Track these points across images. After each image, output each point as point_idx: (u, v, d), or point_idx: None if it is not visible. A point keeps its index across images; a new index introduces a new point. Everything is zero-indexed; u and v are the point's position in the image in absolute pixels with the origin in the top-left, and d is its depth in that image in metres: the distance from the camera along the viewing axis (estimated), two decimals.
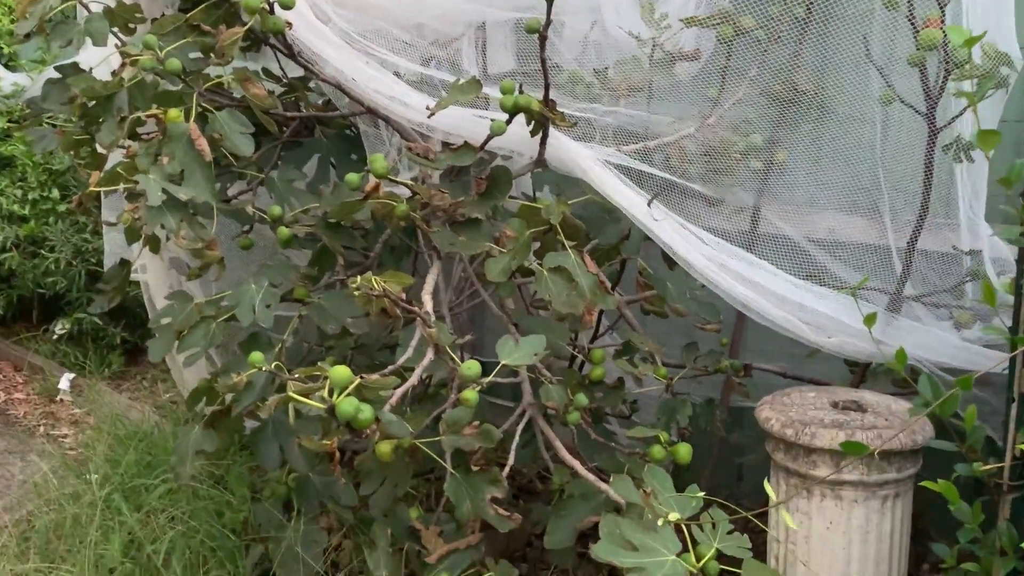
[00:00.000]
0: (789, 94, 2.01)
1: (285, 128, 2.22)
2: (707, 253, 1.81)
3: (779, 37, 1.93)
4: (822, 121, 2.13)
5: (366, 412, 1.10)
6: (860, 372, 2.02)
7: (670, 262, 2.11)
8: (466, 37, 1.92)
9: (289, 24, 1.62)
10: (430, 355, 1.42)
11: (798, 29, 1.98)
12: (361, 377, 1.13)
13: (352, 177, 1.55)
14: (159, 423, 3.41)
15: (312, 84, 2.26)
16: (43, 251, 3.98)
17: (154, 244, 1.87)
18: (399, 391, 1.31)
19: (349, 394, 1.11)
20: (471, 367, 1.36)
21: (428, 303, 1.55)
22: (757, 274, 1.84)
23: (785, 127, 2.06)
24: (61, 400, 3.91)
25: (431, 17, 1.79)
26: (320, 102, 2.30)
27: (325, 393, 1.10)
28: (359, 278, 1.37)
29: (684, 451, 1.67)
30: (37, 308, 4.30)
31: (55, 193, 4.02)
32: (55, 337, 4.18)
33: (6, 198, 4.08)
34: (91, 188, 1.77)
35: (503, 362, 1.42)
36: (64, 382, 3.91)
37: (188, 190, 1.69)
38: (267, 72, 2.27)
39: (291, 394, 1.12)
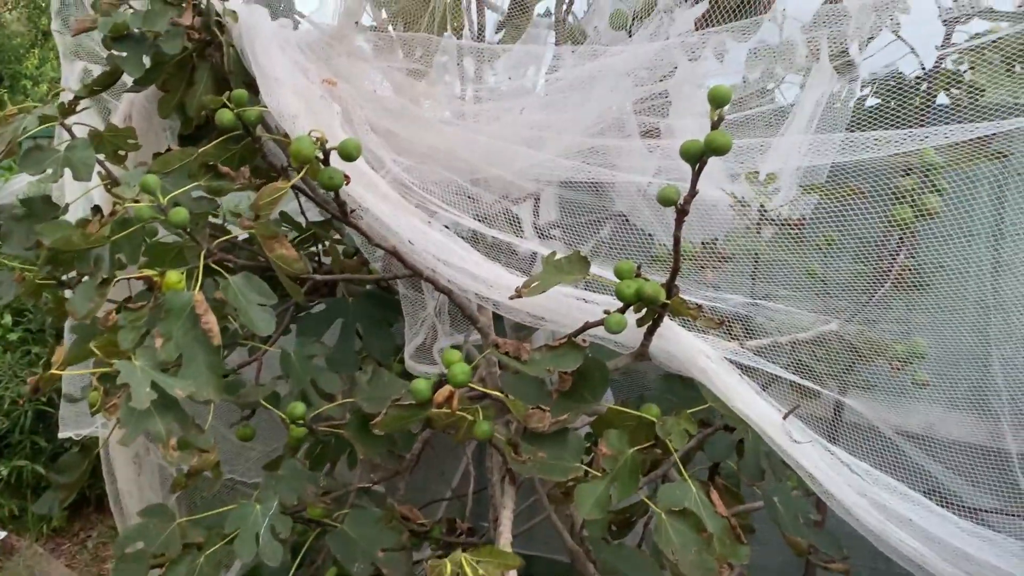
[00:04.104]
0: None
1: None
2: (857, 486, 1.40)
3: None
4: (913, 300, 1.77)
5: None
6: None
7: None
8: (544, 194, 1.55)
9: (347, 178, 1.23)
10: None
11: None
12: None
13: (421, 386, 1.13)
14: None
15: (338, 233, 1.86)
16: None
17: None
18: None
19: None
20: None
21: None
22: (915, 512, 1.42)
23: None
24: None
25: (516, 172, 1.41)
26: (344, 252, 1.91)
27: None
28: (444, 562, 0.92)
29: None
30: None
31: (7, 319, 3.53)
32: None
33: None
34: (53, 371, 1.32)
35: None
36: None
37: (186, 384, 1.25)
38: (284, 217, 1.88)
39: None
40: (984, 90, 1.63)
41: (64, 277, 1.79)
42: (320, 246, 1.89)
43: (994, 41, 1.37)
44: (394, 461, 1.53)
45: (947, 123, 1.53)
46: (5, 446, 3.51)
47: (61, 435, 2.37)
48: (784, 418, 1.39)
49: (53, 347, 2.72)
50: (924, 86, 1.70)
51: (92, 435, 2.34)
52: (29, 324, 3.59)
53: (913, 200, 1.32)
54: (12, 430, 3.41)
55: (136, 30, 1.69)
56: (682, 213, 1.17)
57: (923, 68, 1.70)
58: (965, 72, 1.68)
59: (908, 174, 1.38)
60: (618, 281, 1.25)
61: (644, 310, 1.33)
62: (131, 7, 1.78)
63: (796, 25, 1.62)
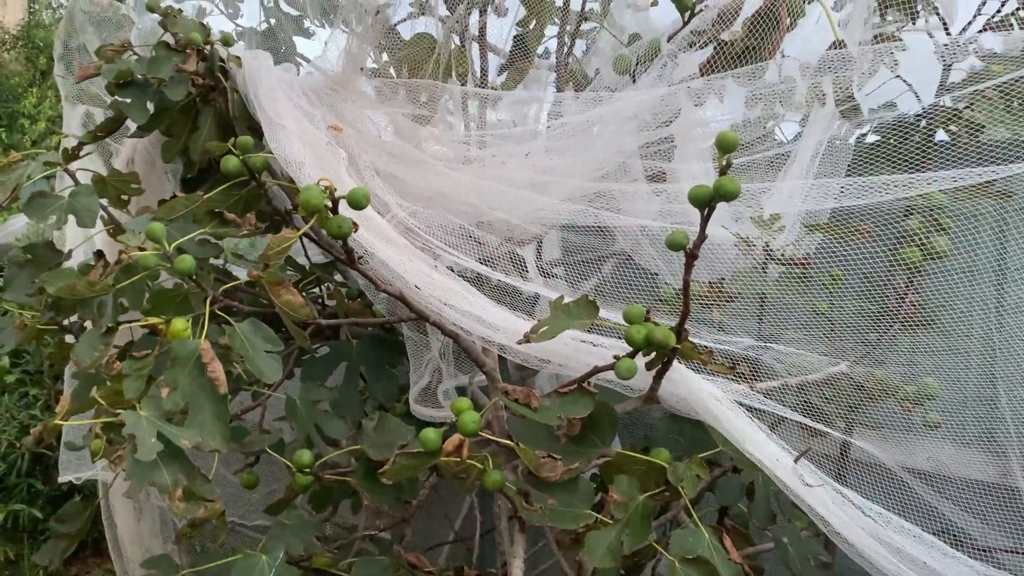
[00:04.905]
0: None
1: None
2: (871, 529, 1.38)
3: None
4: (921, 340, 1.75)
5: None
6: None
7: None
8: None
9: (356, 226, 1.22)
10: None
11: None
12: None
13: (431, 435, 1.12)
14: None
15: (342, 275, 1.86)
16: None
17: None
18: None
19: None
20: None
21: None
22: (929, 555, 1.41)
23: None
24: None
25: (521, 216, 1.42)
26: (347, 294, 1.90)
27: None
28: None
29: None
30: None
31: (4, 361, 3.51)
32: None
33: None
34: (56, 422, 1.31)
35: None
36: None
37: (193, 433, 1.24)
38: (287, 259, 1.87)
39: None
40: (983, 127, 1.63)
41: (65, 322, 1.79)
42: (323, 288, 1.88)
43: (998, 86, 1.38)
44: (401, 508, 1.52)
45: (947, 159, 1.54)
46: (1, 489, 3.47)
47: (61, 479, 2.34)
48: (796, 461, 1.37)
49: (52, 389, 2.70)
50: (923, 123, 1.71)
51: (91, 478, 2.32)
52: (27, 365, 3.56)
53: (921, 241, 1.33)
54: (9, 473, 3.37)
55: (140, 76, 1.70)
56: (692, 258, 1.17)
57: (922, 105, 1.71)
58: (964, 109, 1.68)
59: (911, 213, 1.38)
60: (626, 324, 1.24)
61: (653, 354, 1.33)
62: (135, 54, 1.79)
63: (795, 63, 1.63)
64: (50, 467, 3.31)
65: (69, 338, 1.82)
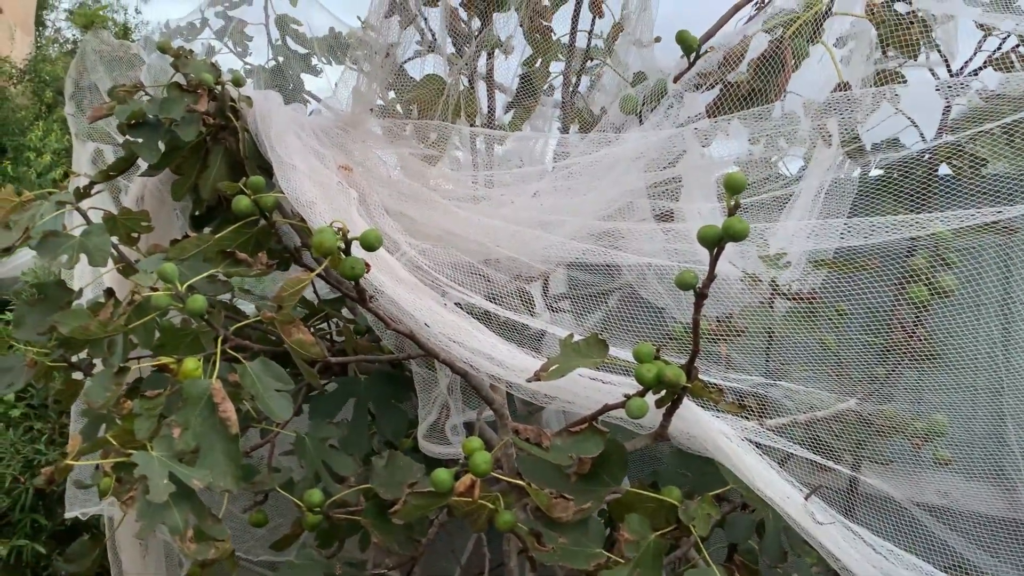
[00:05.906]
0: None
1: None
2: (881, 565, 1.38)
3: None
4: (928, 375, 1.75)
5: None
6: None
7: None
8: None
9: (368, 267, 1.24)
10: None
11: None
12: None
13: (443, 476, 1.12)
14: None
15: (350, 311, 1.87)
16: None
17: None
18: None
19: None
20: None
21: None
22: None
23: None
24: None
25: (528, 254, 1.43)
26: (356, 330, 1.91)
27: None
28: None
29: None
30: None
31: (10, 396, 3.51)
32: None
33: None
34: (67, 462, 1.31)
35: None
36: None
37: (204, 473, 1.24)
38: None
39: None
40: (986, 161, 1.65)
41: (74, 359, 1.79)
42: (332, 324, 1.89)
43: (1009, 127, 1.39)
44: (411, 546, 1.51)
45: (951, 193, 1.55)
46: (5, 524, 3.45)
47: (68, 515, 2.33)
48: (806, 499, 1.37)
49: (56, 424, 2.70)
50: (926, 157, 1.72)
51: (98, 514, 2.31)
52: (32, 400, 3.56)
53: (928, 279, 1.33)
54: (12, 508, 3.35)
55: (152, 116, 1.72)
56: (701, 297, 1.18)
57: (924, 140, 1.73)
58: (966, 143, 1.69)
59: (916, 250, 1.39)
60: (636, 363, 1.25)
61: (663, 392, 1.33)
62: (147, 93, 1.81)
63: (798, 100, 1.65)
64: (54, 502, 3.30)
65: (77, 375, 1.82)
